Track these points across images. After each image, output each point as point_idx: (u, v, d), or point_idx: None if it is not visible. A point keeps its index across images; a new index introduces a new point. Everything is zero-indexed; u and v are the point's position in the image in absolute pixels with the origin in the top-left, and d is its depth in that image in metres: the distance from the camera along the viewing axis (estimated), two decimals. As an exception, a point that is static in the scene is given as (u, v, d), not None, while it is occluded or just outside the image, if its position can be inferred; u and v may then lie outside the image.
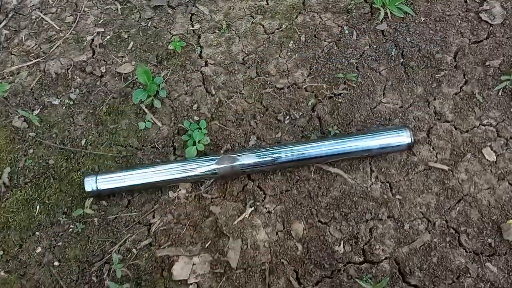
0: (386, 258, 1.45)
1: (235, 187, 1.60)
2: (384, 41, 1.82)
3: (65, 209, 1.60)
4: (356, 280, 1.41)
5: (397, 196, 1.53)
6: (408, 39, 1.80)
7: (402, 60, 1.77)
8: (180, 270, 1.48)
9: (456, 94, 1.68)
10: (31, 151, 1.72)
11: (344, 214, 1.52)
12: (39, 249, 1.54)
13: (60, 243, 1.54)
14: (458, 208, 1.50)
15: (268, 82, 1.79)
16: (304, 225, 1.52)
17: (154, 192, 1.61)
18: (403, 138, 1.52)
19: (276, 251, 1.49)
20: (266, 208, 1.56)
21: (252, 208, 1.56)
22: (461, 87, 1.69)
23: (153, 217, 1.58)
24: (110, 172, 1.59)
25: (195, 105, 1.77)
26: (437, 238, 1.46)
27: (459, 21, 1.83)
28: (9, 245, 1.56)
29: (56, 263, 1.52)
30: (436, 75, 1.72)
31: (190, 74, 1.85)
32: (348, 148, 1.53)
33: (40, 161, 1.69)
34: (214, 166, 1.54)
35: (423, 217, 1.50)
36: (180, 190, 1.61)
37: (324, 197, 1.56)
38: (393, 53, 1.78)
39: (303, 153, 1.54)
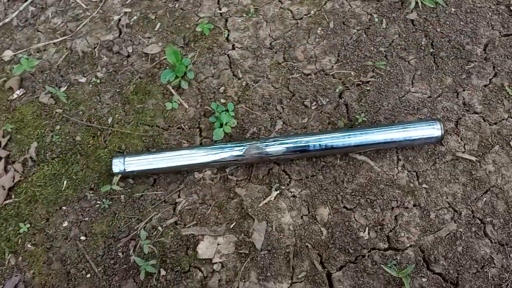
0: (411, 246, 1.46)
1: (260, 171, 1.61)
2: (414, 30, 1.81)
3: (92, 185, 1.61)
4: (381, 265, 1.42)
5: (424, 185, 1.53)
6: (438, 30, 1.79)
7: (431, 50, 1.76)
8: (205, 249, 1.49)
9: (485, 86, 1.68)
10: (58, 127, 1.73)
11: (370, 201, 1.53)
12: (65, 223, 1.56)
13: (86, 218, 1.56)
14: (484, 199, 1.50)
15: (295, 68, 1.79)
16: (329, 210, 1.53)
17: (180, 173, 1.62)
18: (434, 131, 1.51)
19: (301, 235, 1.50)
20: (291, 192, 1.57)
21: (278, 192, 1.56)
22: (490, 79, 1.69)
23: (179, 196, 1.59)
24: (137, 154, 1.59)
25: (222, 88, 1.77)
26: (463, 228, 1.47)
27: (490, 14, 1.82)
28: (36, 219, 1.57)
29: (82, 238, 1.53)
30: (465, 67, 1.71)
31: (217, 57, 1.85)
32: (378, 139, 1.52)
33: (67, 137, 1.71)
34: (241, 154, 1.54)
35: (449, 207, 1.50)
36: (205, 171, 1.62)
37: (349, 184, 1.56)
38: (423, 43, 1.77)
39: (332, 144, 1.53)
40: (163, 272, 1.47)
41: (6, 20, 2.08)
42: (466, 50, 1.74)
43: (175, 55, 1.72)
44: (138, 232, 1.51)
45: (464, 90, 1.67)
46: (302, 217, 1.53)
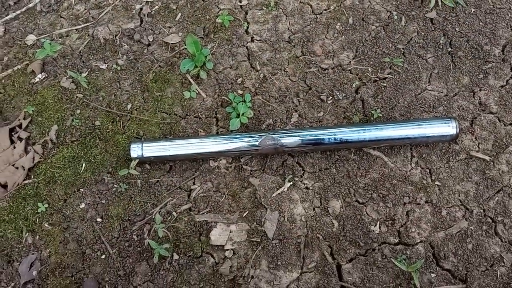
0: (421, 241, 1.47)
1: (274, 162, 1.63)
2: (433, 29, 1.82)
3: (110, 169, 1.64)
4: (391, 259, 1.44)
5: (436, 183, 1.55)
6: (457, 29, 1.80)
7: (449, 49, 1.77)
8: (217, 236, 1.52)
9: (502, 86, 1.68)
10: (78, 111, 1.77)
11: (382, 196, 1.54)
12: (82, 205, 1.59)
13: (103, 201, 1.59)
14: (496, 198, 1.51)
15: (313, 62, 1.81)
16: (341, 203, 1.55)
17: (195, 160, 1.65)
18: (449, 129, 1.52)
19: (312, 226, 1.52)
20: (304, 184, 1.59)
21: (291, 183, 1.58)
22: (507, 80, 1.69)
23: (193, 183, 1.62)
24: (155, 140, 1.62)
25: (240, 79, 1.80)
26: (474, 226, 1.48)
27: (510, 15, 1.82)
28: (54, 199, 1.61)
29: (98, 219, 1.57)
30: (483, 67, 1.72)
31: (236, 48, 1.87)
32: (393, 135, 1.54)
33: (87, 121, 1.74)
34: (256, 144, 1.56)
35: (461, 205, 1.51)
36: (220, 160, 1.65)
37: (363, 178, 1.58)
38: (441, 42, 1.78)
39: (346, 138, 1.55)
40: (176, 256, 1.50)
41: (30, 5, 2.12)
42: (484, 50, 1.75)
43: (195, 45, 1.75)
44: (153, 217, 1.55)
45: (480, 90, 1.68)
46: (314, 209, 1.55)
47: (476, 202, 1.51)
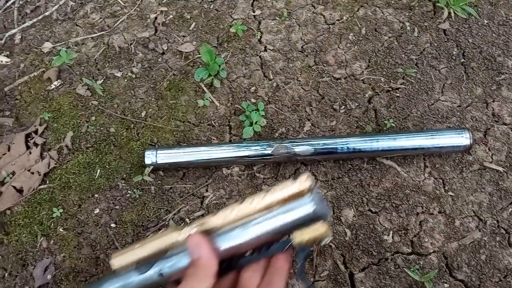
0: (434, 252, 1.47)
1: (287, 170, 1.64)
2: (446, 40, 1.83)
3: (124, 175, 1.66)
4: (404, 269, 1.44)
5: (450, 193, 1.55)
6: (470, 40, 1.81)
7: (462, 60, 1.78)
8: (230, 244, 1.52)
9: (515, 98, 1.69)
10: (93, 118, 1.79)
11: (395, 206, 1.55)
12: (97, 210, 1.61)
13: (117, 207, 1.61)
14: (510, 209, 1.51)
15: (326, 72, 1.82)
16: (354, 212, 1.55)
17: (209, 167, 1.66)
18: (463, 139, 1.52)
19: (325, 235, 1.52)
20: (317, 193, 1.59)
21: (304, 191, 1.59)
22: (521, 92, 1.70)
23: (206, 190, 1.63)
24: (169, 147, 1.64)
25: (253, 88, 1.81)
26: (487, 236, 1.48)
27: (523, 27, 1.83)
28: (69, 204, 1.63)
29: (112, 225, 1.58)
30: (496, 78, 1.73)
31: (249, 57, 1.89)
32: (406, 145, 1.54)
33: (102, 128, 1.76)
34: (269, 152, 1.57)
35: (474, 215, 1.51)
36: (233, 168, 1.66)
37: (375, 187, 1.58)
38: (454, 53, 1.79)
39: (359, 147, 1.55)
40: (189, 263, 1.50)
41: (47, 14, 2.15)
42: (498, 61, 1.75)
43: (210, 54, 1.77)
44: (167, 223, 1.56)
45: (494, 101, 1.69)
46: (327, 218, 1.55)
47: (489, 213, 1.51)
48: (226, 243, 0.69)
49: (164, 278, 0.70)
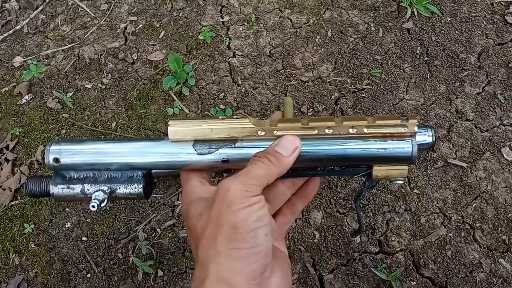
0: (401, 250, 1.49)
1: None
2: (410, 39, 1.85)
3: (95, 188, 1.67)
4: (371, 269, 1.46)
5: (415, 191, 1.57)
6: (433, 38, 1.83)
7: (426, 58, 1.80)
8: (201, 251, 1.54)
9: (478, 94, 1.71)
10: (63, 131, 1.80)
11: (362, 206, 1.57)
12: (68, 224, 1.62)
13: (88, 220, 1.62)
14: (474, 204, 1.53)
15: (293, 75, 1.84)
16: (322, 214, 1.57)
17: (179, 177, 1.67)
18: (426, 137, 1.54)
19: (294, 238, 1.54)
20: (286, 196, 1.61)
21: (273, 196, 1.61)
22: (483, 87, 1.72)
23: (177, 199, 1.65)
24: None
25: (222, 94, 1.83)
26: (453, 232, 1.50)
27: (485, 23, 1.85)
28: (40, 220, 1.64)
29: (84, 238, 1.59)
30: (459, 75, 1.75)
31: (218, 64, 1.91)
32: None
33: (72, 141, 1.77)
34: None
35: (439, 212, 1.53)
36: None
37: (343, 188, 1.60)
38: (418, 51, 1.81)
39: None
40: (160, 273, 1.52)
41: (17, 27, 2.16)
42: (460, 58, 1.78)
43: (177, 62, 1.78)
44: (137, 234, 1.57)
45: (457, 98, 1.71)
46: (296, 221, 1.57)
47: (454, 209, 1.53)
48: (314, 149, 0.67)
49: (226, 165, 0.68)
